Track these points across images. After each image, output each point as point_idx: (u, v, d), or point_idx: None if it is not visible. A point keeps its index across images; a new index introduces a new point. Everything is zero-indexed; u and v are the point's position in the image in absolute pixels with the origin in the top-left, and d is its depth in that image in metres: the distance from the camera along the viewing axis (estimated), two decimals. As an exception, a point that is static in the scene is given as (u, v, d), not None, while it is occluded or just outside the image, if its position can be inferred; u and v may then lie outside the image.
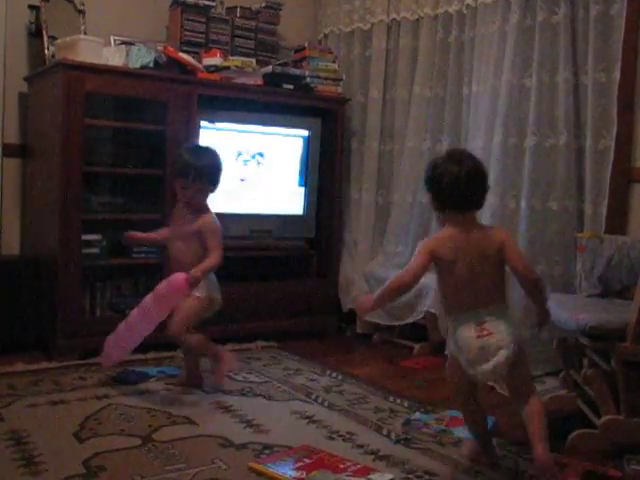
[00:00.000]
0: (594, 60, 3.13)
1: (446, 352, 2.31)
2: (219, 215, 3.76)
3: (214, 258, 2.83)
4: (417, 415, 2.66)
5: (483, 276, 2.07)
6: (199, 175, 2.81)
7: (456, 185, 2.07)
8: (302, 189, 4.09)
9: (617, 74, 3.05)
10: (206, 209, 2.92)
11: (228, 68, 3.77)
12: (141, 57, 3.48)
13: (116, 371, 3.06)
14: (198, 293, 2.81)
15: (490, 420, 2.59)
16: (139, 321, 2.78)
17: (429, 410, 2.74)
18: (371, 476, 2.08)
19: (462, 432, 2.46)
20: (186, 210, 2.90)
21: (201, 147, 3.06)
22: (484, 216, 3.35)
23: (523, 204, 3.30)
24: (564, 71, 3.23)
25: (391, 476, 2.10)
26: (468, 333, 2.05)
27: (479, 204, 2.14)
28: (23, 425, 2.40)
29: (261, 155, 3.91)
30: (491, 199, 3.34)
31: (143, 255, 3.57)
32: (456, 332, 2.09)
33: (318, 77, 4.10)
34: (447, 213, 2.13)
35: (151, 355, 3.39)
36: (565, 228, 3.22)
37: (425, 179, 2.18)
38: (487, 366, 2.03)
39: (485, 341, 2.03)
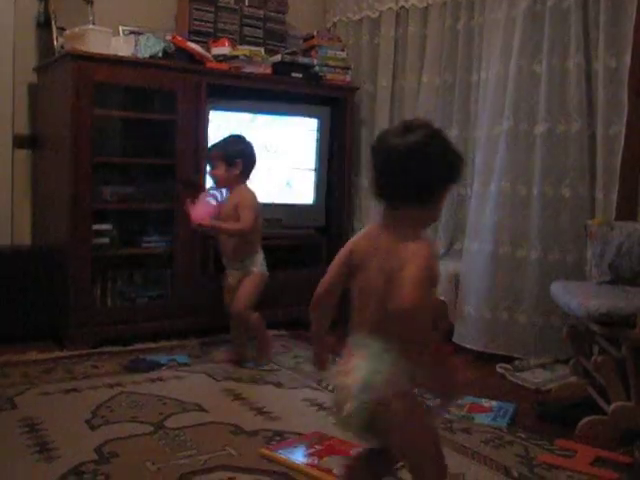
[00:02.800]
0: (605, 45, 3.10)
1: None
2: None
3: (239, 224, 3.11)
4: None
5: (377, 295, 1.51)
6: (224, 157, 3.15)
7: (384, 163, 1.54)
8: (312, 178, 4.09)
9: (628, 59, 3.03)
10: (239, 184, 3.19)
11: (237, 57, 3.77)
12: (150, 47, 3.48)
13: (128, 359, 3.09)
14: (256, 268, 3.16)
15: (511, 406, 2.61)
16: None
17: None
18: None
19: (483, 418, 2.48)
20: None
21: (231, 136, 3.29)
22: (494, 202, 3.35)
23: (535, 191, 3.29)
24: (575, 56, 3.20)
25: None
26: (338, 364, 1.56)
27: (413, 197, 1.53)
28: (37, 413, 2.42)
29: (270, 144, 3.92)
30: (502, 186, 3.33)
31: (153, 244, 3.59)
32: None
33: (327, 66, 4.09)
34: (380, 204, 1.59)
35: (162, 343, 3.42)
36: (577, 215, 3.21)
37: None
38: (337, 416, 1.53)
39: (340, 381, 1.51)
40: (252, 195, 3.20)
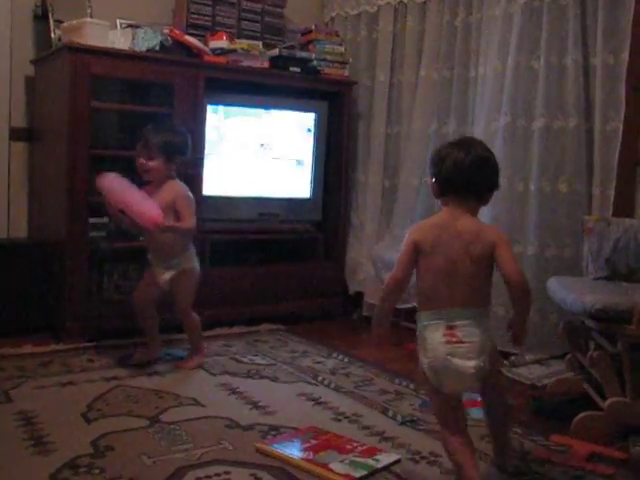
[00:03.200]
0: (603, 41, 3.10)
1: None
2: (227, 198, 3.79)
3: (186, 223, 2.88)
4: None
5: (464, 274, 1.84)
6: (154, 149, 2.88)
7: (458, 168, 1.90)
8: (309, 172, 4.09)
9: (626, 55, 3.03)
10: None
11: (235, 51, 3.76)
12: (147, 40, 3.47)
13: (124, 352, 3.09)
14: (190, 265, 2.96)
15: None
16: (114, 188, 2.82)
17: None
18: (378, 456, 2.09)
19: (478, 413, 2.48)
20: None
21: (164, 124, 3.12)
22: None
23: (532, 187, 3.29)
24: (572, 52, 3.20)
25: (398, 456, 2.12)
26: (436, 336, 1.81)
27: (481, 195, 1.94)
28: (32, 406, 2.42)
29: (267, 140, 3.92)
30: (499, 181, 3.32)
31: (150, 238, 3.58)
32: (424, 332, 1.85)
33: (325, 60, 4.09)
34: (445, 198, 1.95)
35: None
36: (574, 211, 3.21)
37: (429, 162, 2.04)
38: (453, 378, 1.82)
39: (454, 348, 1.80)
40: (187, 190, 2.95)
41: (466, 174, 1.90)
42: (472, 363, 1.79)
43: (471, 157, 1.91)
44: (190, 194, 2.95)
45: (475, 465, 1.83)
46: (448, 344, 1.80)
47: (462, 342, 1.79)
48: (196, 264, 3.00)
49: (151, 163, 2.88)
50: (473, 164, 1.90)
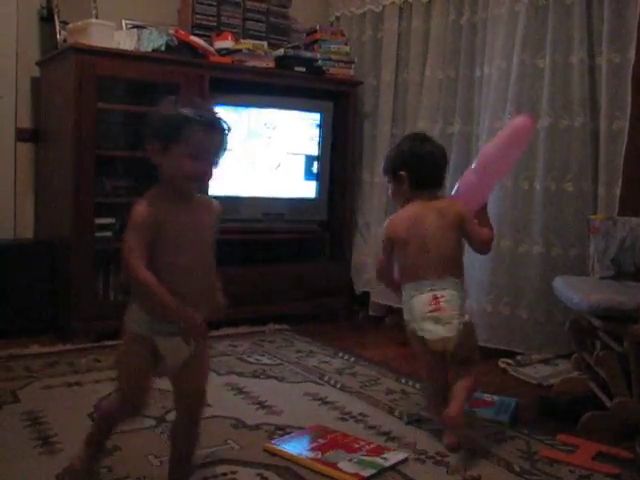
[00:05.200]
0: (608, 40, 3.09)
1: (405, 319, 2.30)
2: (232, 198, 3.79)
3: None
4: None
5: (438, 248, 2.22)
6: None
7: (434, 163, 2.30)
8: (314, 172, 4.09)
9: (632, 54, 3.02)
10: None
11: (240, 51, 3.76)
12: (152, 41, 3.48)
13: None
14: None
15: (513, 401, 2.62)
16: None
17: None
18: (385, 455, 2.09)
19: (485, 413, 2.49)
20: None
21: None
22: (496, 197, 3.35)
23: (537, 186, 3.28)
24: (578, 51, 3.19)
25: (405, 455, 2.12)
26: (422, 304, 2.18)
27: (443, 182, 2.40)
28: (39, 406, 2.43)
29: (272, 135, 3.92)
30: (505, 181, 3.32)
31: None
32: (411, 301, 2.22)
33: (330, 60, 4.09)
34: (414, 192, 2.31)
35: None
36: (580, 210, 3.20)
37: (398, 160, 2.34)
38: (437, 333, 2.16)
39: (438, 314, 2.16)
40: None
41: (440, 167, 2.34)
42: (455, 321, 2.16)
43: (440, 150, 2.33)
44: None
45: (450, 407, 2.14)
46: (433, 311, 2.16)
47: (444, 308, 2.16)
48: None
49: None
50: (443, 156, 2.34)
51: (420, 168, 2.30)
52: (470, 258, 3.46)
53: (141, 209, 1.66)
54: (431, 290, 2.18)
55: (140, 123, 3.66)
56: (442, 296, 2.17)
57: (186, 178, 1.67)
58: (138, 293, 1.72)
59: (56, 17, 3.58)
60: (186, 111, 1.66)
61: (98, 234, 3.36)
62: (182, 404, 1.83)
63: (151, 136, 1.68)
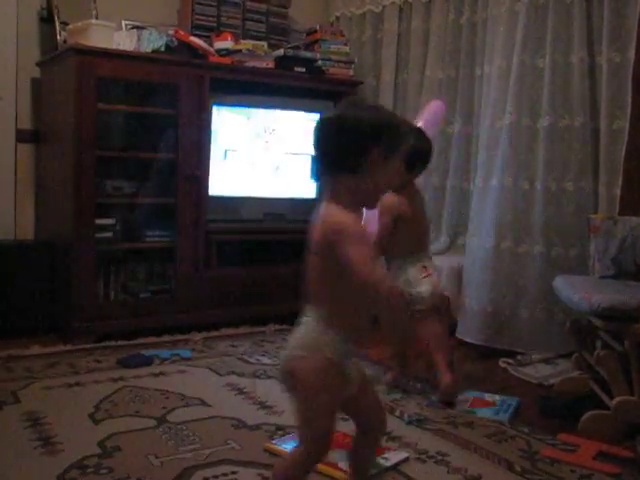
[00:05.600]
0: (608, 40, 3.09)
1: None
2: (232, 198, 3.80)
3: None
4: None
5: (424, 225, 2.81)
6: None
7: (423, 138, 2.66)
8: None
9: (632, 54, 3.02)
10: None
11: (240, 51, 3.76)
12: (152, 41, 3.48)
13: (128, 353, 3.12)
14: None
15: (514, 401, 2.62)
16: None
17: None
18: (387, 455, 2.09)
19: (486, 413, 2.49)
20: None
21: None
22: (496, 197, 3.36)
23: (538, 185, 3.28)
24: (578, 51, 3.19)
25: (406, 454, 2.12)
26: (416, 273, 2.67)
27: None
28: (40, 407, 2.43)
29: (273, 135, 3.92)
30: (505, 180, 3.32)
31: (156, 239, 3.59)
32: (407, 271, 2.67)
33: (330, 60, 4.09)
34: (411, 174, 2.68)
35: (165, 338, 3.42)
36: (580, 209, 3.21)
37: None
38: (427, 291, 2.65)
39: (429, 279, 2.68)
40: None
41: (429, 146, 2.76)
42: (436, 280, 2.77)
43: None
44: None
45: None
46: (426, 277, 2.68)
47: (431, 273, 2.71)
48: None
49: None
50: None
51: (423, 152, 2.72)
52: (471, 258, 3.48)
53: (351, 220, 1.48)
54: (421, 262, 2.70)
55: (140, 123, 3.70)
56: (428, 264, 2.72)
57: (387, 190, 1.59)
58: (382, 306, 1.58)
59: (56, 18, 3.58)
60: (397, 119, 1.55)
61: (98, 235, 3.36)
62: (370, 434, 1.71)
63: (372, 141, 1.46)
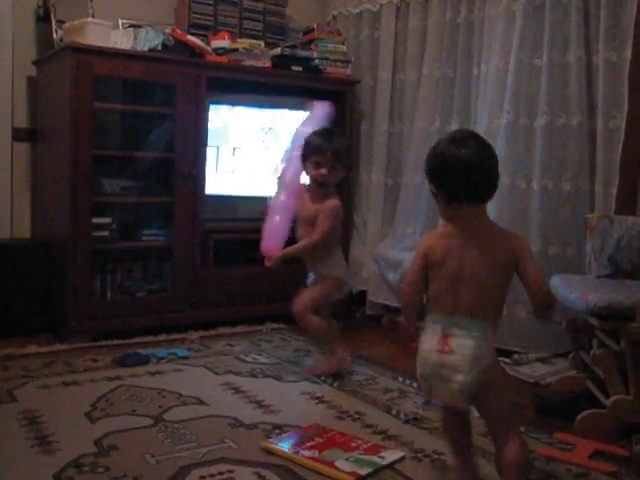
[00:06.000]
0: (605, 39, 3.09)
1: None
2: (229, 197, 3.79)
3: (309, 239, 2.94)
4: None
5: (473, 283, 1.75)
6: (335, 155, 2.90)
7: (465, 171, 1.73)
8: (311, 171, 4.08)
9: (629, 53, 3.02)
10: (333, 194, 3.01)
11: (236, 50, 3.76)
12: (149, 40, 3.47)
13: (124, 352, 3.12)
14: (327, 272, 2.95)
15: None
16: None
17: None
18: (382, 454, 2.10)
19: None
20: (314, 194, 2.97)
21: (332, 130, 3.10)
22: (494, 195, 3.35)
23: (535, 185, 3.28)
24: (575, 50, 3.20)
25: (402, 453, 2.12)
26: (431, 342, 1.74)
27: (489, 194, 1.79)
28: (36, 405, 2.43)
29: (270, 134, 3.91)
30: (502, 180, 3.31)
31: (153, 238, 3.59)
32: (422, 335, 1.79)
33: (327, 59, 4.08)
34: (452, 207, 1.79)
35: (162, 337, 3.42)
36: (577, 209, 3.21)
37: (428, 167, 1.82)
38: (439, 388, 1.74)
39: (443, 357, 1.70)
40: (338, 204, 3.01)
41: (474, 175, 1.74)
42: (459, 377, 1.68)
43: (474, 154, 1.74)
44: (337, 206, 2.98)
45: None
46: (440, 352, 1.71)
47: (453, 352, 1.69)
48: (337, 272, 2.97)
49: (335, 173, 2.95)
50: (480, 162, 1.74)
51: (447, 180, 1.79)
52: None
53: None
54: (444, 328, 1.74)
55: (136, 122, 3.70)
56: (454, 336, 1.72)
57: None
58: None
59: (52, 16, 3.57)
60: None
61: (95, 234, 3.36)
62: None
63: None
